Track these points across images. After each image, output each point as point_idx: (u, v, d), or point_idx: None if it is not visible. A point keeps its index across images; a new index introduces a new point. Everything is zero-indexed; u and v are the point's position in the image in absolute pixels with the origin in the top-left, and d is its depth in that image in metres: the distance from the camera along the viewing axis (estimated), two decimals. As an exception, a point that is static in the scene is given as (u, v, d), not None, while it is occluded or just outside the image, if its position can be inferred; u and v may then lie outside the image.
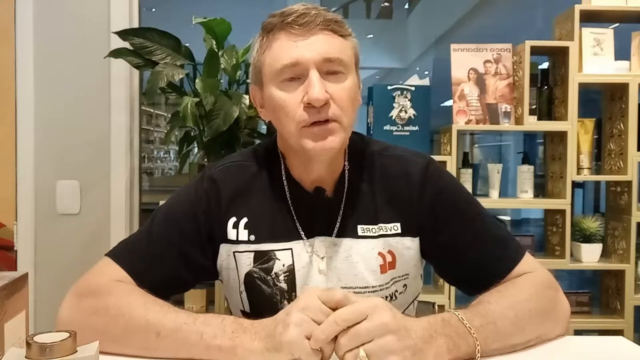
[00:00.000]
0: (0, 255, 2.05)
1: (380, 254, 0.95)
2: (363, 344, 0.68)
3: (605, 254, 2.21)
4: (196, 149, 2.25)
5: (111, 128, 2.11)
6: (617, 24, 2.35)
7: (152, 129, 5.20)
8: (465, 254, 0.96)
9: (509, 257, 0.95)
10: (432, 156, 1.03)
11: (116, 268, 0.91)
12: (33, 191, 2.09)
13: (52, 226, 2.10)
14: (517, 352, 0.81)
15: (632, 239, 2.11)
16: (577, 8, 2.11)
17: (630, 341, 0.89)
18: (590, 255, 2.15)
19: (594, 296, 2.27)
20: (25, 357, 0.60)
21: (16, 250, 2.09)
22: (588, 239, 2.14)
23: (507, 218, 7.58)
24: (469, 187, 2.20)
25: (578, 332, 2.13)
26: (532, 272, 0.94)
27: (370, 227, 0.96)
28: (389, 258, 0.96)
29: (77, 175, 2.11)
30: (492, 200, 2.19)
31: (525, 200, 2.23)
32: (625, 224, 2.15)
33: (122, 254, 0.94)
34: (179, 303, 2.09)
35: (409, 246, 0.97)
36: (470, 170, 2.22)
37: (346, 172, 0.98)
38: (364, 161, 0.99)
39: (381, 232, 0.96)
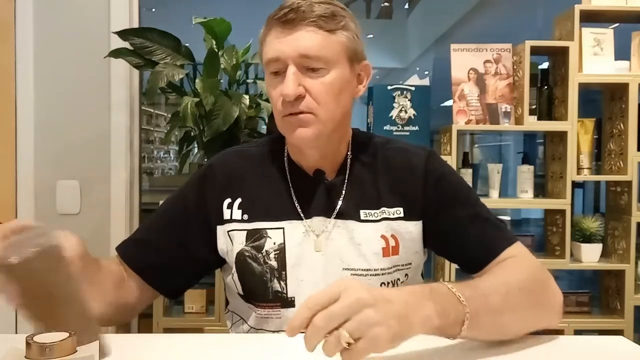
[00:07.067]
0: (0, 255, 2.05)
1: (383, 236, 0.97)
2: (341, 325, 0.64)
3: (605, 254, 2.20)
4: (196, 149, 2.25)
5: (111, 128, 2.11)
6: (617, 24, 2.34)
7: (152, 129, 5.21)
8: (464, 234, 0.98)
9: (505, 238, 0.97)
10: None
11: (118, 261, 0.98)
12: (33, 191, 2.09)
13: (52, 226, 2.10)
14: (516, 352, 0.81)
15: (632, 239, 2.11)
16: (577, 8, 2.10)
17: (630, 341, 0.89)
18: (590, 255, 2.15)
19: (594, 296, 2.26)
20: (25, 357, 0.60)
21: (16, 250, 2.09)
22: (588, 239, 2.14)
23: (507, 218, 7.55)
24: (469, 187, 2.20)
25: (578, 332, 2.13)
26: (525, 258, 0.95)
27: (373, 211, 0.98)
28: (392, 242, 0.98)
29: (77, 175, 2.11)
30: (492, 200, 2.19)
31: (525, 200, 2.23)
32: (625, 224, 2.15)
33: (123, 246, 1.01)
34: (179, 303, 2.09)
35: (412, 230, 0.99)
36: (470, 170, 2.22)
37: (348, 160, 1.01)
38: (367, 151, 1.03)
39: (384, 216, 0.98)
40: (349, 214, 0.98)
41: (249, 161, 1.03)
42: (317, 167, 1.00)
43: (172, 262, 1.00)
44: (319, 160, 0.99)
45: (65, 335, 0.61)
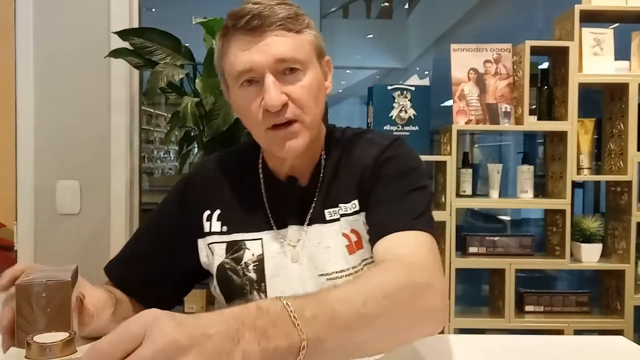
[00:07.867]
0: (0, 255, 2.05)
1: (344, 234, 0.95)
2: None
3: (605, 254, 2.21)
4: (196, 149, 2.25)
5: (111, 128, 2.11)
6: (617, 24, 2.35)
7: (152, 129, 5.20)
8: (376, 210, 0.91)
9: (408, 223, 0.86)
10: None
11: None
12: (33, 191, 2.09)
13: (52, 226, 2.10)
14: (516, 352, 0.81)
15: (632, 239, 2.11)
16: (577, 8, 2.11)
17: (630, 341, 0.89)
18: (590, 255, 2.15)
19: (594, 296, 2.26)
20: (25, 357, 0.59)
21: (16, 250, 2.09)
22: (588, 239, 2.14)
23: (507, 218, 7.57)
24: (468, 187, 2.20)
25: (578, 332, 2.13)
26: (415, 254, 0.82)
27: (334, 209, 0.96)
28: (353, 237, 0.95)
29: (77, 175, 2.11)
30: (492, 200, 2.19)
31: (525, 200, 2.23)
32: (625, 224, 2.15)
33: (110, 266, 1.01)
34: (180, 304, 2.09)
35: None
36: (470, 170, 2.21)
37: (322, 161, 0.98)
38: (338, 149, 0.99)
39: (341, 212, 0.95)
40: (318, 217, 0.95)
41: (226, 171, 1.01)
42: (292, 173, 0.97)
43: (159, 276, 0.99)
44: (296, 166, 0.96)
45: (65, 335, 0.61)
